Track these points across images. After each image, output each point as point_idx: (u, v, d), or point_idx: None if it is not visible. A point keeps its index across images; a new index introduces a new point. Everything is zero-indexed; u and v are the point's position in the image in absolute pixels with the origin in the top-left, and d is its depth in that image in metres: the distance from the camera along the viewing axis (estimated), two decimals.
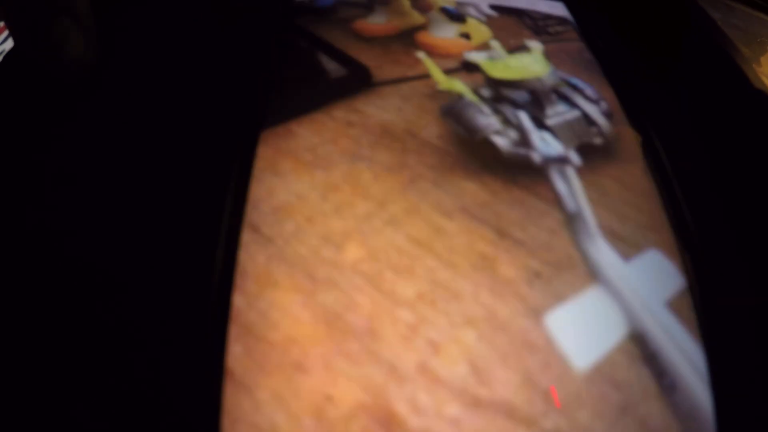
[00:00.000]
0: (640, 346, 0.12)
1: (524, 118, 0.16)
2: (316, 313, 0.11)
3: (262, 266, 0.12)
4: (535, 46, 0.19)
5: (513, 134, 0.15)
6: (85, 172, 0.14)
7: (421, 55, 0.18)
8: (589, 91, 0.18)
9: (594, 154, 0.16)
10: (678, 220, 0.15)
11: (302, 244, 0.12)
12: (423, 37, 0.19)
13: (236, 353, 0.11)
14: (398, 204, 0.13)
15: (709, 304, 0.14)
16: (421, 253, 0.12)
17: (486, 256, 0.12)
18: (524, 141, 0.15)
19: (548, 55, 0.19)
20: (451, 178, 0.14)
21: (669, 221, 0.15)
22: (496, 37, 0.19)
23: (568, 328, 0.12)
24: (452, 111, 0.16)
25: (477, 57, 0.18)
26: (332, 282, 0.12)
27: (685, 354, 0.12)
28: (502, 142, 0.15)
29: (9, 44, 0.20)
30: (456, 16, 0.20)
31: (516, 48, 0.19)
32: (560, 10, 0.21)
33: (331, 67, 0.17)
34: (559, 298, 0.12)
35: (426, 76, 0.17)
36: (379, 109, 0.15)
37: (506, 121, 0.16)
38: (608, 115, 0.17)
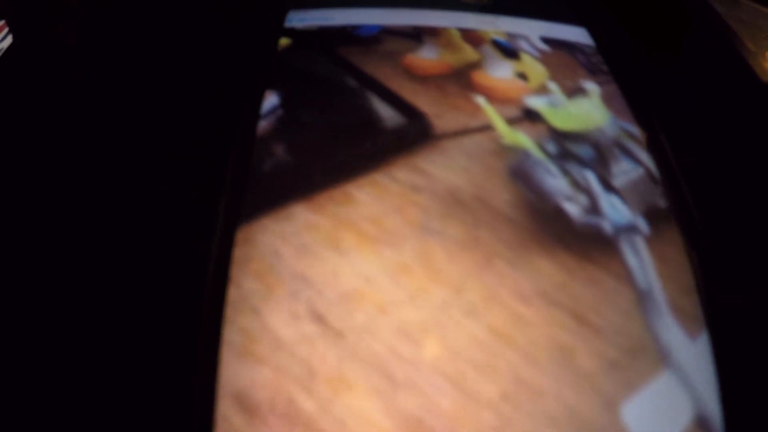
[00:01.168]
0: (703, 430, 0.13)
1: (593, 180, 0.16)
2: (397, 419, 0.11)
3: (334, 366, 0.12)
4: (592, 88, 0.19)
5: (583, 199, 0.15)
6: (77, 170, 0.13)
7: (481, 101, 0.17)
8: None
9: (659, 218, 0.16)
10: (684, 217, 0.16)
11: (376, 339, 0.12)
12: (480, 78, 0.18)
13: None
14: (476, 291, 0.13)
15: (714, 300, 0.15)
16: (502, 347, 0.12)
17: (565, 346, 0.13)
18: (594, 207, 0.15)
19: (605, 99, 0.19)
20: (527, 256, 0.14)
21: (675, 220, 0.16)
22: (552, 76, 0.19)
23: (641, 417, 0.12)
24: (520, 172, 0.16)
25: (538, 103, 0.18)
26: (412, 383, 0.12)
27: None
28: (574, 210, 0.15)
29: (7, 42, 0.18)
30: (510, 52, 0.19)
31: (574, 90, 0.19)
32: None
33: (386, 113, 0.16)
34: (633, 387, 0.13)
35: (488, 127, 0.17)
36: (445, 169, 0.15)
37: (575, 183, 0.15)
38: None
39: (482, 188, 0.15)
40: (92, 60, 0.16)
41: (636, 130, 0.18)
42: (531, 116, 0.17)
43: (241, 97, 0.15)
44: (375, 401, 0.11)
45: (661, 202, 0.16)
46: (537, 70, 0.19)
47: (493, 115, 0.17)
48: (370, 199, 0.14)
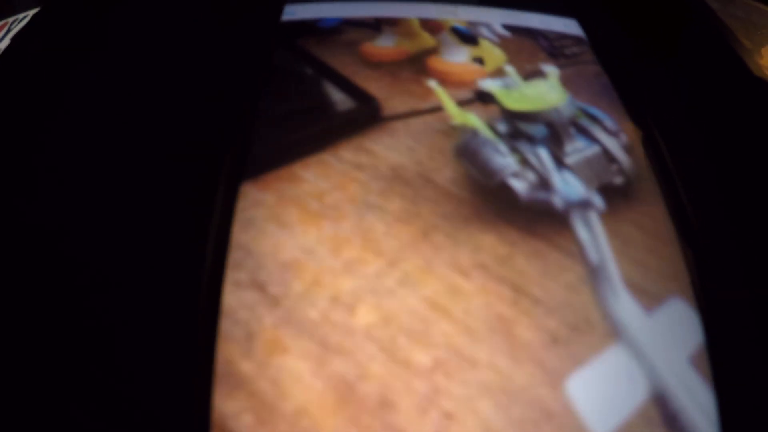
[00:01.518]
0: (660, 408, 0.13)
1: (545, 156, 0.16)
2: (327, 382, 0.12)
3: (270, 330, 0.12)
4: (551, 71, 0.19)
5: (531, 176, 0.15)
6: (76, 162, 0.14)
7: (432, 84, 0.18)
8: (608, 123, 0.18)
9: (614, 194, 0.16)
10: (678, 215, 0.16)
11: (312, 306, 0.13)
12: (434, 62, 0.19)
13: (247, 422, 0.11)
14: (412, 261, 0.13)
15: (709, 298, 0.14)
16: (437, 316, 0.13)
17: (503, 318, 0.13)
18: (544, 183, 0.15)
19: (565, 81, 0.19)
20: (467, 230, 0.14)
21: (674, 226, 0.16)
22: (511, 61, 0.19)
23: (587, 393, 0.13)
24: (467, 150, 0.16)
25: (491, 85, 0.18)
26: (344, 349, 0.12)
27: (705, 413, 0.13)
28: (520, 186, 0.15)
29: (5, 43, 0.20)
30: (468, 38, 0.20)
31: (531, 74, 0.19)
32: (574, 29, 0.22)
33: (338, 98, 0.17)
34: (577, 361, 0.13)
35: (438, 108, 0.17)
36: (390, 149, 0.16)
37: (524, 161, 0.16)
38: (628, 149, 0.17)
39: (426, 166, 0.15)
40: (90, 58, 0.17)
41: (595, 110, 0.18)
42: (483, 98, 0.17)
43: (237, 96, 0.16)
44: (307, 364, 0.12)
45: (617, 179, 0.16)
46: (494, 54, 0.19)
47: (443, 96, 0.17)
48: (315, 178, 0.15)
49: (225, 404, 0.12)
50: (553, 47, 0.20)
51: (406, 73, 0.18)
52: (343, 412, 0.11)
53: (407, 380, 0.12)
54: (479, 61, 0.19)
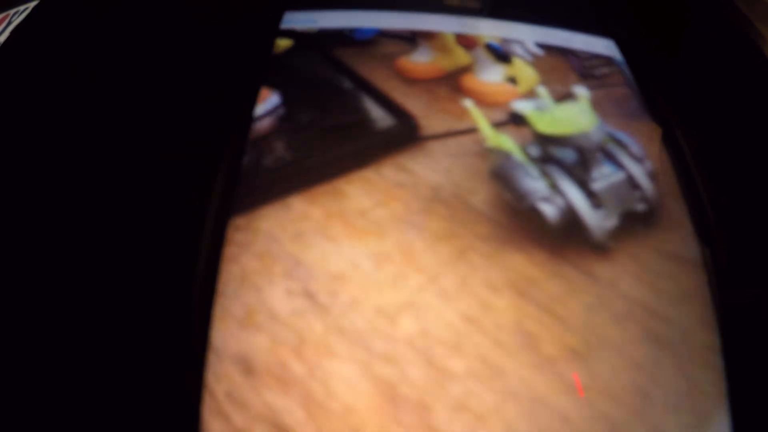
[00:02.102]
0: None
1: (571, 183, 0.17)
2: (373, 384, 0.13)
3: (320, 335, 0.14)
4: (582, 93, 0.20)
5: (560, 201, 0.17)
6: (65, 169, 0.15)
7: (468, 104, 0.19)
8: (634, 149, 0.19)
9: (635, 221, 0.17)
10: (697, 212, 0.17)
11: (358, 315, 0.14)
12: (469, 82, 0.20)
13: (299, 418, 0.13)
14: (449, 278, 0.15)
15: (727, 296, 0.16)
16: (471, 329, 0.14)
17: (530, 333, 0.15)
18: (570, 209, 0.16)
19: (594, 103, 0.20)
20: (500, 250, 0.16)
21: (691, 220, 0.17)
22: (544, 81, 0.21)
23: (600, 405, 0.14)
24: (500, 173, 0.17)
25: (525, 107, 0.19)
26: (387, 355, 0.14)
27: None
28: (550, 210, 0.16)
29: (5, 36, 0.21)
30: (502, 56, 0.21)
31: (564, 95, 0.20)
32: (604, 49, 0.23)
33: (377, 114, 0.18)
34: (593, 375, 0.15)
35: (473, 130, 0.19)
36: (428, 169, 0.17)
37: (553, 185, 0.17)
38: (652, 176, 0.18)
39: (462, 187, 0.17)
40: (88, 51, 0.17)
41: (623, 135, 0.19)
42: (516, 120, 0.19)
43: (235, 94, 0.17)
44: (355, 367, 0.14)
45: (640, 206, 0.18)
46: (527, 74, 0.20)
47: (479, 118, 0.19)
48: (359, 193, 0.16)
49: (279, 401, 0.13)
50: (583, 67, 0.22)
51: (442, 90, 0.19)
52: (387, 411, 0.13)
53: (443, 384, 0.14)
54: (512, 81, 0.20)
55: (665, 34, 0.23)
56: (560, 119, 0.19)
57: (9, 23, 0.19)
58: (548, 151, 0.17)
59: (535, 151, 0.18)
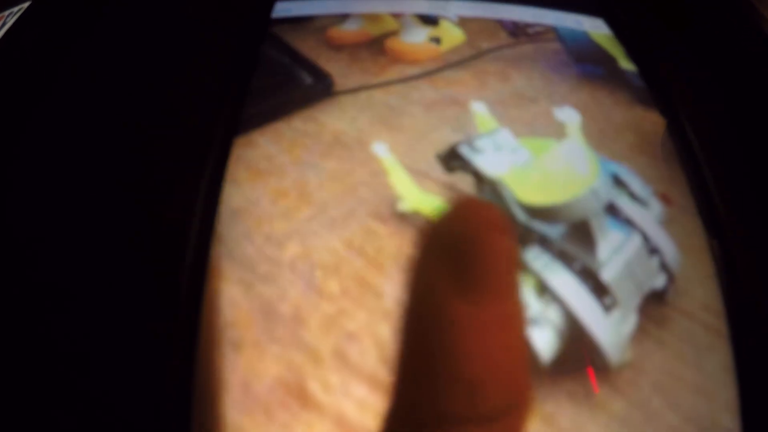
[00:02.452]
0: None
1: (575, 295, 0.11)
2: (253, 302, 0.15)
3: (215, 263, 0.16)
4: (570, 120, 0.15)
5: (555, 316, 0.10)
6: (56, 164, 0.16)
7: (381, 151, 0.15)
8: (636, 187, 0.14)
9: (653, 305, 0.12)
10: (706, 206, 0.15)
11: (250, 243, 0.16)
12: (392, 43, 0.21)
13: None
14: (338, 209, 0.16)
15: (737, 293, 0.14)
16: (351, 254, 0.15)
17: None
18: (573, 327, 0.11)
19: (584, 128, 0.14)
20: (388, 184, 0.16)
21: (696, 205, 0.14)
22: (470, 40, 0.21)
23: None
24: None
25: (494, 164, 0.13)
26: (271, 277, 0.15)
27: None
28: (542, 340, 0.10)
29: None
30: (429, 20, 0.22)
31: (541, 126, 0.14)
32: (546, 19, 0.22)
33: (298, 76, 0.20)
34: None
35: (387, 83, 0.20)
36: (335, 118, 0.18)
37: (542, 290, 0.10)
38: (665, 221, 0.13)
39: (364, 132, 0.18)
40: (81, 51, 0.19)
41: (621, 168, 0.14)
42: (481, 181, 0.12)
43: (223, 90, 0.18)
44: (238, 288, 0.15)
45: (659, 281, 0.12)
46: (452, 34, 0.21)
47: (397, 174, 0.15)
48: (268, 143, 0.18)
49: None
50: (516, 27, 0.22)
51: (365, 53, 0.20)
52: (262, 326, 0.14)
53: (318, 303, 0.14)
54: (436, 40, 0.21)
55: (664, 15, 0.23)
56: (552, 177, 0.13)
57: (4, 24, 0.21)
58: (531, 230, 0.11)
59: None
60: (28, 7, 0.20)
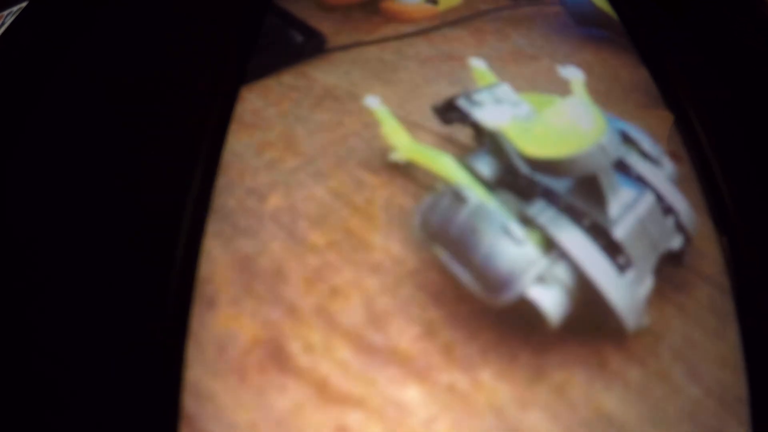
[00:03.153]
0: None
1: (586, 253, 0.10)
2: (231, 256, 0.13)
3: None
4: (575, 77, 0.14)
5: (564, 275, 0.09)
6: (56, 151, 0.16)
7: (374, 103, 0.14)
8: (646, 145, 0.13)
9: (670, 266, 0.11)
10: (714, 200, 0.14)
11: (231, 196, 0.15)
12: (386, 3, 0.20)
13: None
14: (326, 160, 0.15)
15: (747, 290, 0.13)
16: (339, 204, 0.14)
17: (403, 208, 0.14)
18: (588, 294, 0.10)
19: (590, 87, 0.13)
20: (384, 138, 0.15)
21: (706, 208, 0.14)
22: (468, 2, 0.20)
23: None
24: (441, 228, 0.10)
25: (494, 116, 0.12)
26: (251, 229, 0.14)
27: None
28: (550, 300, 0.09)
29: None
30: None
31: (547, 87, 0.13)
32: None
33: (290, 35, 0.19)
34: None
35: (381, 40, 0.19)
36: (327, 73, 0.17)
37: (550, 246, 0.09)
38: (678, 181, 0.12)
39: (358, 85, 0.17)
40: (78, 52, 0.18)
41: (632, 128, 0.13)
42: (480, 135, 0.11)
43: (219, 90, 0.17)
44: (216, 242, 0.14)
45: (676, 242, 0.11)
46: None
47: (386, 119, 0.14)
48: (255, 98, 0.17)
49: None
50: None
51: (357, 13, 0.20)
52: (240, 282, 0.13)
53: (301, 256, 0.13)
54: (433, 1, 0.20)
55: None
56: (557, 129, 0.12)
57: (3, 23, 0.21)
58: (535, 182, 0.10)
59: (504, 174, 0.11)
60: (26, 7, 0.20)
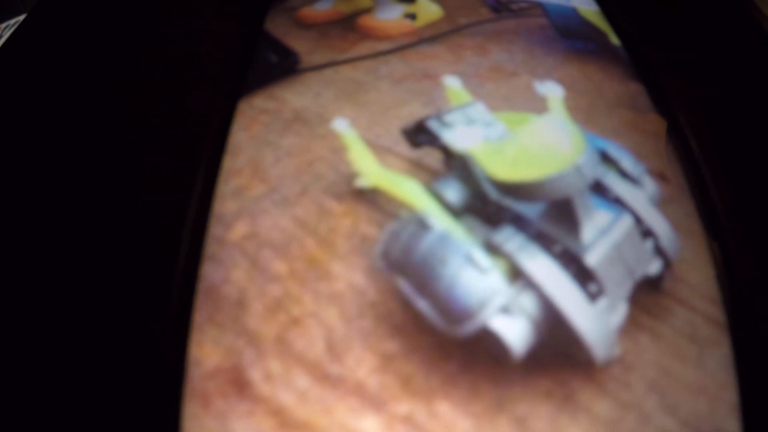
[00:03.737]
0: None
1: (555, 282, 0.09)
2: (198, 285, 0.14)
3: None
4: (552, 92, 0.13)
5: (530, 305, 0.09)
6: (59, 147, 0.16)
7: (341, 126, 0.13)
8: (626, 163, 0.12)
9: (646, 293, 0.11)
10: (705, 206, 0.13)
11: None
12: (365, 20, 0.20)
13: None
14: (291, 187, 0.15)
15: (737, 293, 0.13)
16: (302, 233, 0.14)
17: (366, 237, 0.14)
18: (558, 320, 0.09)
19: (568, 101, 0.12)
20: (350, 163, 0.15)
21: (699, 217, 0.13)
22: (449, 15, 0.20)
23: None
24: (402, 257, 0.10)
25: (464, 138, 0.11)
26: (216, 257, 0.14)
27: None
28: (513, 333, 0.09)
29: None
30: None
31: (522, 105, 0.13)
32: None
33: (265, 56, 0.19)
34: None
35: (354, 59, 0.19)
36: (297, 95, 0.17)
37: (516, 274, 0.09)
38: (660, 200, 0.12)
39: (327, 108, 0.17)
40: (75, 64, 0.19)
41: (610, 144, 0.12)
42: (450, 158, 0.11)
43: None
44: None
45: (654, 266, 0.11)
46: (429, 10, 0.20)
47: (356, 148, 0.14)
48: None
49: None
50: (498, 2, 0.21)
51: (334, 31, 0.20)
52: (204, 311, 0.13)
53: (263, 285, 0.13)
54: (411, 16, 0.20)
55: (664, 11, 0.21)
56: (530, 151, 0.11)
57: (1, 36, 0.22)
58: (503, 208, 0.10)
59: (478, 211, 0.10)
60: (24, 20, 0.20)
